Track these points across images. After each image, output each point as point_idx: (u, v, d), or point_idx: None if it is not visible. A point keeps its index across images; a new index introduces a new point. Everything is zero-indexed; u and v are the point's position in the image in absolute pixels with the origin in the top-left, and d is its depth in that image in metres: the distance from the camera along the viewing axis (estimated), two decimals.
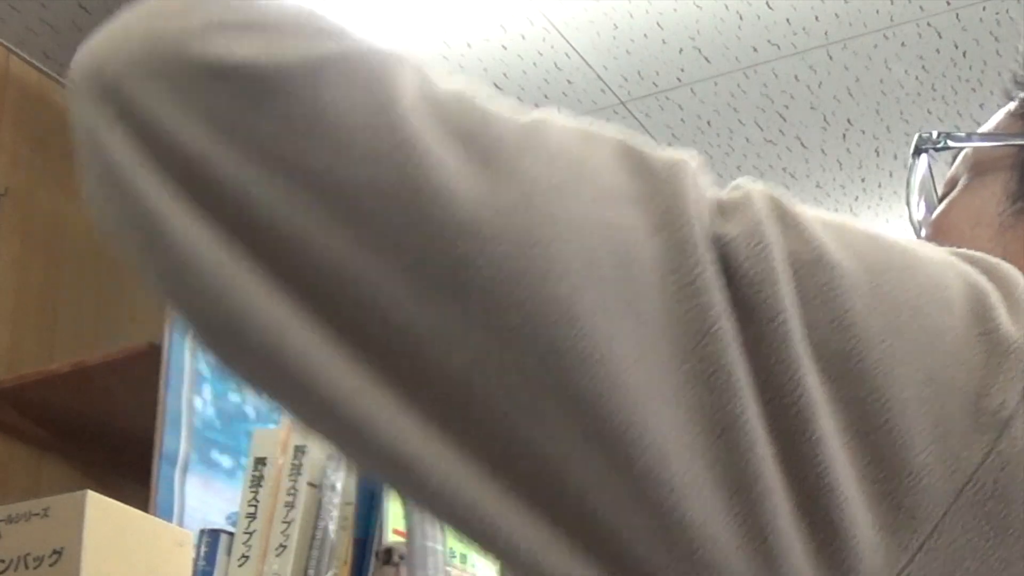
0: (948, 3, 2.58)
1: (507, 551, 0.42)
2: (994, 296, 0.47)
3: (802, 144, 3.02)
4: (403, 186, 0.43)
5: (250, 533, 1.53)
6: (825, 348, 0.44)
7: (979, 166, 0.74)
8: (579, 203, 0.43)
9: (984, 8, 2.58)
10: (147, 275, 0.44)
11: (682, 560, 0.41)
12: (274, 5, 0.47)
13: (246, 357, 0.44)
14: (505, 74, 2.83)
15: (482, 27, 2.69)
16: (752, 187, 0.47)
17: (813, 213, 0.47)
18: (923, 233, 0.76)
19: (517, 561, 0.42)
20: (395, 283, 0.42)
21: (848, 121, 2.93)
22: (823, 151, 3.04)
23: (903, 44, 2.68)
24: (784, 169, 3.15)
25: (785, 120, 2.96)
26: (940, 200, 0.77)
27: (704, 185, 0.46)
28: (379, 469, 0.44)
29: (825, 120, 2.93)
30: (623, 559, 0.42)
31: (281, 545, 1.50)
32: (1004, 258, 0.50)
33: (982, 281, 0.48)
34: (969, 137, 0.76)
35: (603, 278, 0.42)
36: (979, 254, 0.50)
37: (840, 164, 3.08)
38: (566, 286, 0.42)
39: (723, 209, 0.45)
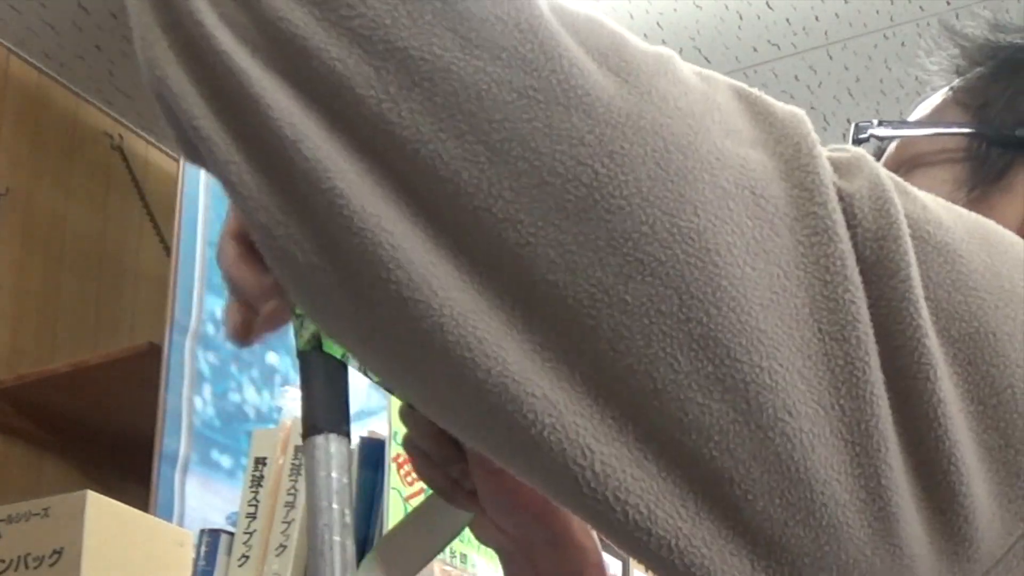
0: (948, 3, 2.58)
1: (613, 504, 0.39)
2: None
3: None
4: (543, 91, 0.39)
5: (250, 533, 1.53)
6: (945, 308, 0.42)
7: (923, 157, 0.73)
8: (714, 136, 0.41)
9: (984, 8, 2.58)
10: (220, 153, 0.39)
11: (801, 520, 0.39)
12: None
13: (357, 272, 0.39)
14: None
15: None
16: (858, 149, 0.45)
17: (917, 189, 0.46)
18: None
19: (624, 516, 0.39)
20: (516, 199, 0.39)
21: (848, 121, 2.93)
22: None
23: (903, 44, 2.68)
24: None
25: None
26: None
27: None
28: (471, 405, 0.40)
29: (825, 120, 2.93)
30: (739, 515, 0.39)
31: (281, 545, 1.50)
32: None
33: None
34: (911, 125, 0.75)
35: (737, 216, 0.40)
36: None
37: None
38: (703, 220, 0.39)
39: (838, 165, 0.44)
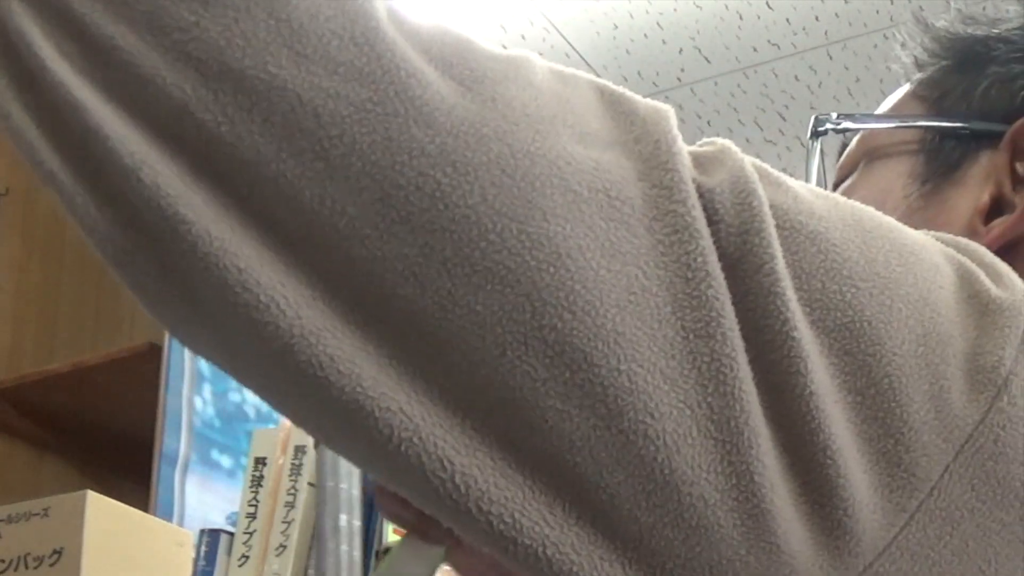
0: (948, 3, 2.58)
1: (476, 515, 0.39)
2: (972, 264, 0.46)
3: (802, 144, 3.02)
4: (381, 104, 0.39)
5: (250, 533, 1.53)
6: (819, 299, 0.42)
7: (880, 150, 0.72)
8: (565, 140, 0.41)
9: (984, 8, 2.58)
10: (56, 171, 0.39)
11: (669, 522, 0.39)
12: None
13: (207, 298, 0.39)
14: None
15: (482, 27, 2.69)
16: (725, 141, 0.45)
17: (791, 179, 0.46)
18: None
19: (488, 527, 0.39)
20: (359, 214, 0.38)
21: None
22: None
23: (903, 44, 2.68)
24: (784, 169, 3.14)
25: (785, 120, 2.96)
26: (835, 186, 0.75)
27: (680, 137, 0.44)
28: (330, 421, 0.40)
29: None
30: (607, 520, 0.39)
31: (281, 545, 1.50)
32: None
33: (956, 252, 0.47)
34: (871, 119, 0.74)
35: (590, 219, 0.39)
36: (942, 234, 0.49)
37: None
38: (553, 225, 0.39)
39: (699, 161, 0.43)
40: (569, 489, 0.39)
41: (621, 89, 0.44)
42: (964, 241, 0.49)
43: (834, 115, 0.76)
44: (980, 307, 0.45)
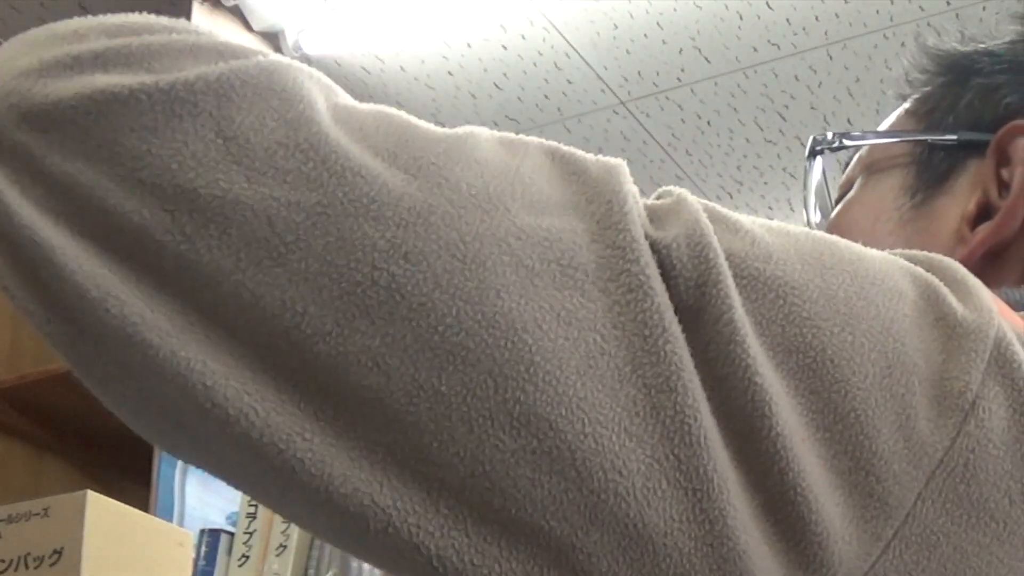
0: (948, 3, 2.58)
1: None
2: (939, 285, 0.47)
3: (802, 144, 3.02)
4: (331, 206, 0.40)
5: (250, 533, 1.53)
6: (781, 343, 0.43)
7: (875, 165, 0.74)
8: (514, 213, 0.42)
9: (984, 8, 2.58)
10: (35, 315, 0.41)
11: (648, 573, 0.40)
12: (127, 22, 0.44)
13: (183, 416, 0.41)
14: (505, 74, 2.83)
15: (482, 27, 2.69)
16: (681, 192, 0.46)
17: (750, 217, 0.46)
18: None
19: None
20: (320, 313, 0.40)
21: (848, 121, 2.93)
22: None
23: (903, 44, 2.68)
24: (784, 169, 3.15)
25: (785, 120, 2.97)
26: (836, 203, 0.77)
27: (635, 191, 0.45)
28: (315, 520, 0.42)
29: (825, 120, 2.93)
30: None
31: (281, 545, 1.50)
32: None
33: (924, 273, 0.48)
34: (864, 136, 0.76)
35: (544, 291, 0.41)
36: (914, 252, 0.50)
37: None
38: (507, 302, 0.40)
39: (654, 215, 0.44)
40: (546, 554, 0.40)
41: (571, 149, 0.46)
42: (937, 258, 0.49)
43: (829, 134, 0.78)
44: (946, 331, 0.45)
